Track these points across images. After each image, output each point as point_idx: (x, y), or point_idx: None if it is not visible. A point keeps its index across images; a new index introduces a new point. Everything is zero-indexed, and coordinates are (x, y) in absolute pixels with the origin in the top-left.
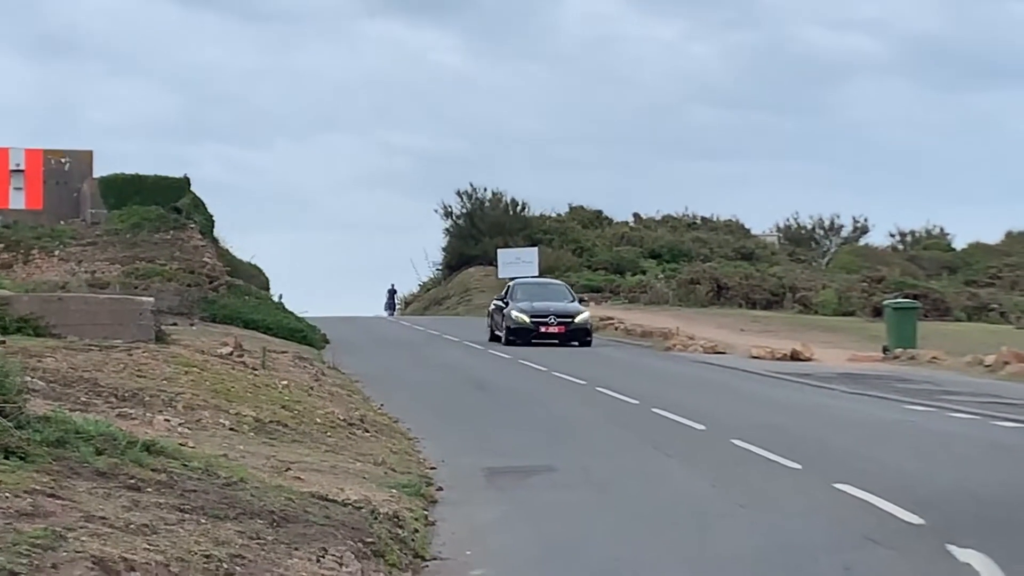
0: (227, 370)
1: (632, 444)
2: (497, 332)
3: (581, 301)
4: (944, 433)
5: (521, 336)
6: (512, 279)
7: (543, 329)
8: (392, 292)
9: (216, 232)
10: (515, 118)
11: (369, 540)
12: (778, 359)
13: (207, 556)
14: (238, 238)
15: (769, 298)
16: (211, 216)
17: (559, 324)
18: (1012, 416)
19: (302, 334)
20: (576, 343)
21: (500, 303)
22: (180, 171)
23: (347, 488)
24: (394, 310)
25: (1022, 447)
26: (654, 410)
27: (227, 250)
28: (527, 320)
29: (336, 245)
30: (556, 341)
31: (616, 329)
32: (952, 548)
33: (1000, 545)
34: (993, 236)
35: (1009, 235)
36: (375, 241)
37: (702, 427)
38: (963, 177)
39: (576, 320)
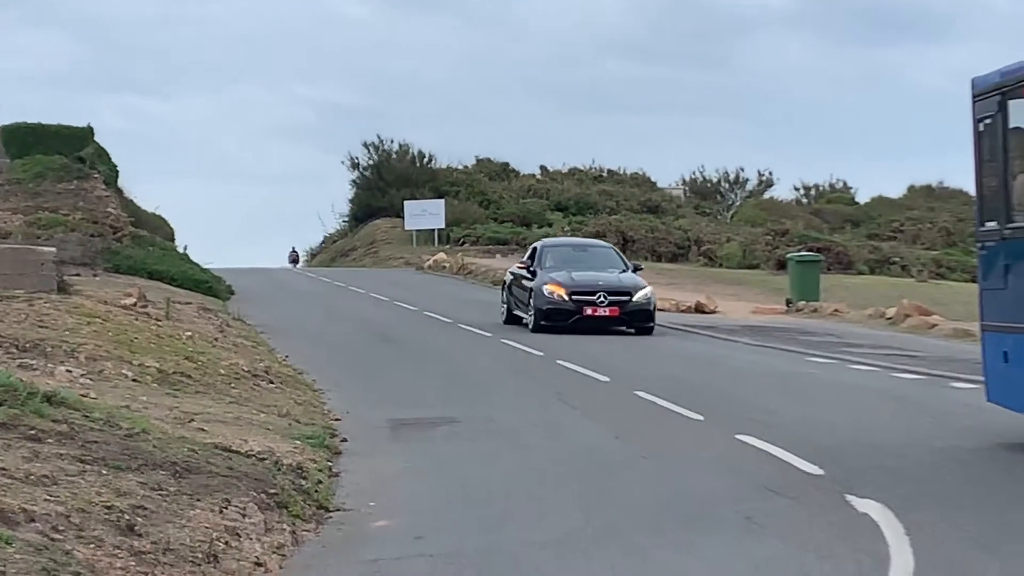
0: (130, 321)
1: (536, 396)
2: (517, 312)
3: (636, 270)
4: (845, 385)
5: (557, 320)
6: (535, 242)
7: (589, 311)
8: (294, 254)
9: (120, 182)
10: (423, 70)
11: (272, 491)
12: (683, 311)
13: (108, 507)
14: (143, 189)
15: (674, 251)
16: (115, 166)
17: (611, 305)
18: (911, 368)
19: (207, 285)
20: (633, 331)
21: (523, 272)
22: (84, 121)
23: (251, 439)
24: (297, 263)
25: (921, 398)
26: (559, 362)
27: (131, 200)
28: (566, 297)
29: (243, 196)
30: (604, 327)
31: None
32: (851, 498)
33: (897, 495)
34: (896, 190)
35: (911, 189)
36: (282, 192)
37: (606, 379)
38: (867, 131)
39: (635, 298)
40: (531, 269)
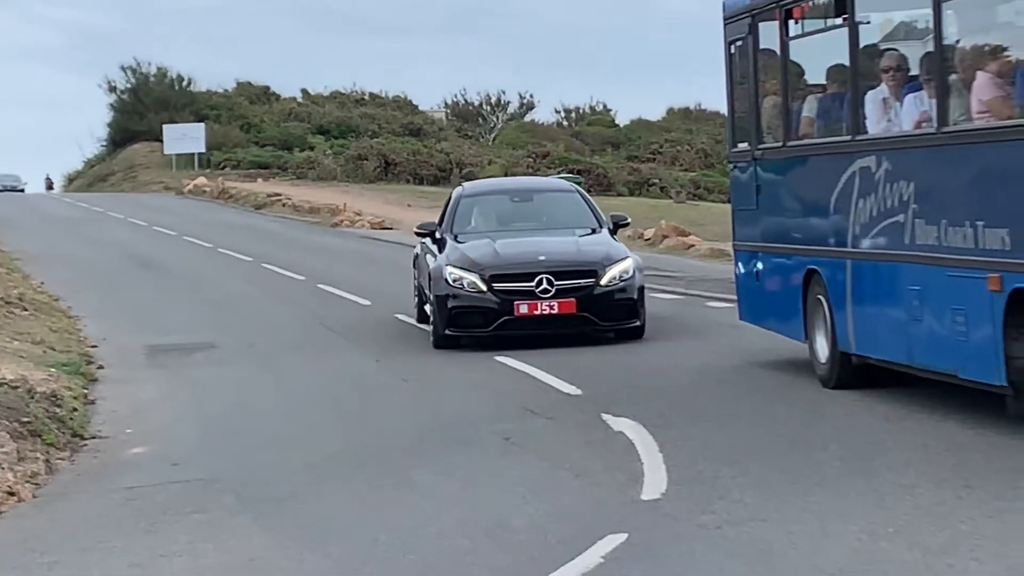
0: None
1: (298, 320)
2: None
3: (616, 229)
4: None
5: (470, 324)
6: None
7: (524, 308)
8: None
9: None
10: None
11: (25, 420)
12: None
13: None
14: None
15: (436, 174)
16: None
17: (562, 294)
18: (669, 288)
19: None
20: (611, 333)
21: (431, 242)
22: None
23: (3, 367)
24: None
25: (678, 318)
26: (320, 286)
27: None
28: (483, 287)
29: None
30: (554, 330)
31: (283, 206)
32: (607, 417)
33: (652, 412)
34: (655, 112)
35: (670, 111)
36: (37, 118)
37: (368, 303)
38: (626, 54)
39: (604, 280)
40: (439, 237)
